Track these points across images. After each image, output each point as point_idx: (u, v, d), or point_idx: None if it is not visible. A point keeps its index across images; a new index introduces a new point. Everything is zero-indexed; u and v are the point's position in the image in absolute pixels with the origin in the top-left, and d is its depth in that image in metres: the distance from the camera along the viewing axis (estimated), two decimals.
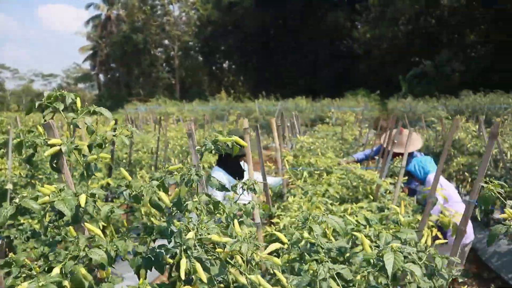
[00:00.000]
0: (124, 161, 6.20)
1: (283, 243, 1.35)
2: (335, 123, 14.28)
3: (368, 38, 35.11)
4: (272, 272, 2.01)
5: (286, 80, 39.06)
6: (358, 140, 8.89)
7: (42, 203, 1.25)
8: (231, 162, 3.60)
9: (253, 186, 1.67)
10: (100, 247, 1.31)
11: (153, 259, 1.38)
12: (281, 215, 3.24)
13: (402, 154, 5.04)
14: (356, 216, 2.39)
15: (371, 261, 1.20)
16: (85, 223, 1.39)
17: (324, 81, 37.66)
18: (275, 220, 3.10)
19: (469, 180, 6.65)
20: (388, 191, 4.35)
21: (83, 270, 1.24)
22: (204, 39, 44.73)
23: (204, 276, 1.13)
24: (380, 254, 1.15)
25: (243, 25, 39.74)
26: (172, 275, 1.47)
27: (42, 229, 1.29)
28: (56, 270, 1.18)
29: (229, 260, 1.34)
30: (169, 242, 1.49)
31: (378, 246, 1.28)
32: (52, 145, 1.39)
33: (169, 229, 1.38)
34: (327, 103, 24.92)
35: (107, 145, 1.50)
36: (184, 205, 1.39)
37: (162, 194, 1.40)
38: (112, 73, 48.95)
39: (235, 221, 1.39)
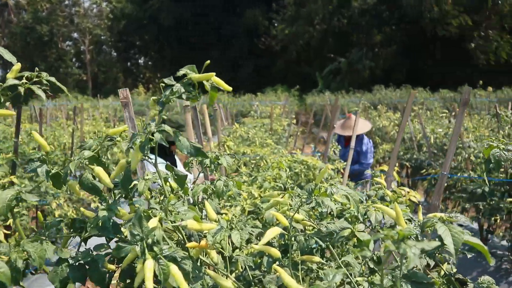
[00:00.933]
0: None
1: (284, 228, 0.99)
2: (260, 116, 14.21)
3: (285, 36, 35.94)
4: (242, 269, 1.63)
5: None
6: (288, 131, 8.82)
7: None
8: (161, 147, 3.19)
9: (218, 163, 1.29)
10: None
11: (88, 266, 0.93)
12: (226, 205, 2.87)
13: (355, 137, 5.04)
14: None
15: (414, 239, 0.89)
16: None
17: (245, 77, 37.81)
18: (223, 210, 2.72)
19: (396, 164, 6.84)
20: (330, 177, 4.21)
21: None
22: (118, 33, 42.34)
23: (185, 285, 0.72)
24: (426, 227, 0.84)
25: (160, 19, 38.24)
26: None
27: None
28: None
29: (203, 258, 0.94)
30: (108, 241, 1.04)
31: (410, 220, 0.97)
32: None
33: (111, 220, 0.93)
34: (248, 99, 24.89)
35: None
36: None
37: (99, 169, 0.95)
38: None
39: (207, 203, 0.99)
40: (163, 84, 0.88)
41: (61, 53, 41.16)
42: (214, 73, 0.89)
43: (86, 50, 41.88)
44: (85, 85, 41.89)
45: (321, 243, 1.00)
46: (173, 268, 0.73)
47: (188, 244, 0.90)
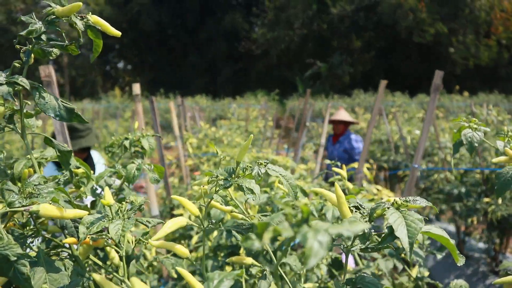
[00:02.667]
0: None
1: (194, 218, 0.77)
2: (238, 118, 14.02)
3: (265, 40, 35.94)
4: (174, 275, 1.41)
5: (185, 80, 38.14)
6: (263, 133, 8.64)
7: None
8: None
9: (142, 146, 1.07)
10: None
11: None
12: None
13: (341, 123, 4.85)
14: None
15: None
16: None
17: (224, 81, 37.63)
18: (177, 211, 2.50)
19: (374, 166, 6.71)
20: (302, 177, 4.04)
21: None
22: None
23: None
24: (375, 216, 0.64)
25: (139, 22, 37.73)
26: None
27: None
28: None
29: (95, 259, 0.72)
30: None
31: (358, 208, 0.76)
32: None
33: None
34: (227, 102, 24.68)
35: None
36: None
37: None
38: None
39: (106, 188, 0.77)
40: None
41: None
42: (81, 3, 0.67)
43: (63, 53, 40.99)
44: (63, 88, 40.95)
45: (238, 237, 0.79)
46: None
47: (66, 240, 0.68)
